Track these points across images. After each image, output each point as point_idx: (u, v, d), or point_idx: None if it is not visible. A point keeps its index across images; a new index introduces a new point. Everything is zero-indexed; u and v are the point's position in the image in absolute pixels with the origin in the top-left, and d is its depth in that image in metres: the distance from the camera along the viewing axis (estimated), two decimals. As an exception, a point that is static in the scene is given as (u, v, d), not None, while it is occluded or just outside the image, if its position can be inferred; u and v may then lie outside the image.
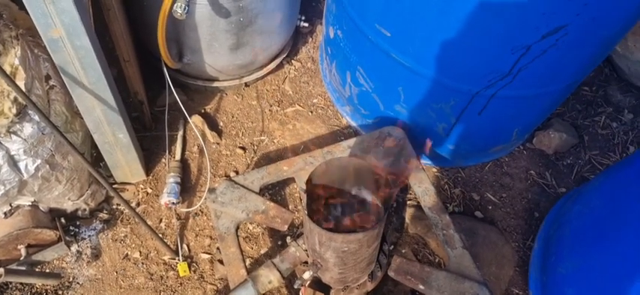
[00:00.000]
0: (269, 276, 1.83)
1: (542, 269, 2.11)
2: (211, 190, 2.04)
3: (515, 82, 1.93)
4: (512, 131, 2.36)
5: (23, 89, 1.74)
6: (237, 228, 1.99)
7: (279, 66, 2.75)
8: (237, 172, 2.44)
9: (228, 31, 2.21)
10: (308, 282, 1.78)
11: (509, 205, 2.48)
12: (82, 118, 1.98)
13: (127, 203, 1.84)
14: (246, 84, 2.67)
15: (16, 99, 1.73)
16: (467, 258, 1.90)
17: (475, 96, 2.02)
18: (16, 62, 1.73)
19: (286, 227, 1.99)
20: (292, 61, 2.83)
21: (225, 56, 2.35)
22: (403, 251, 2.26)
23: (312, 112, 2.68)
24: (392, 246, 2.28)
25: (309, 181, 1.63)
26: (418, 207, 2.35)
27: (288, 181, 2.38)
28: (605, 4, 1.67)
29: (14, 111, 1.73)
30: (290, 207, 2.35)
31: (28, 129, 1.79)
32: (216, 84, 2.58)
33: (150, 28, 2.20)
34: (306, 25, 2.69)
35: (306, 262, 1.89)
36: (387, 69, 2.12)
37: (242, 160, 2.49)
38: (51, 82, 1.92)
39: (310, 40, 2.93)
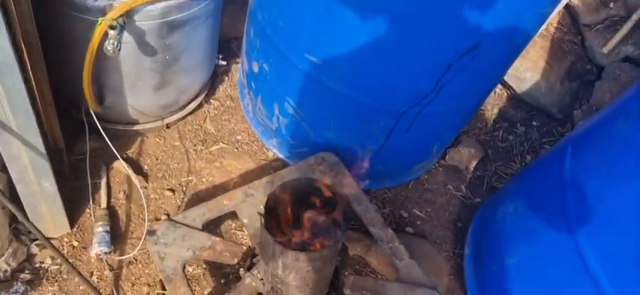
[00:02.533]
0: (227, 311, 1.78)
1: (477, 270, 2.25)
2: (151, 232, 1.95)
3: (438, 99, 2.09)
4: (433, 147, 2.53)
5: (-60, 138, 1.58)
6: (184, 268, 1.92)
7: (199, 106, 2.72)
8: (168, 215, 2.35)
9: (153, 70, 2.16)
10: (269, 310, 1.76)
11: (435, 218, 2.63)
12: (2, 170, 1.82)
13: (59, 252, 1.70)
14: (168, 126, 2.61)
15: None
16: (415, 267, 1.99)
17: (403, 114, 2.15)
18: None
19: (236, 260, 1.95)
20: (211, 100, 2.82)
21: (148, 96, 2.29)
22: (347, 273, 2.30)
23: (237, 149, 2.67)
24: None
25: (266, 205, 1.63)
26: (354, 229, 2.41)
27: (223, 218, 2.34)
28: (510, 24, 1.88)
29: None
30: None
31: (-56, 183, 1.61)
32: (136, 127, 2.49)
33: (67, 71, 2.10)
34: (223, 63, 2.70)
35: (261, 293, 1.87)
36: (318, 96, 2.19)
37: (172, 202, 2.41)
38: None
39: (226, 79, 2.93)
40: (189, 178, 2.50)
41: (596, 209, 1.65)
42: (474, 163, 2.89)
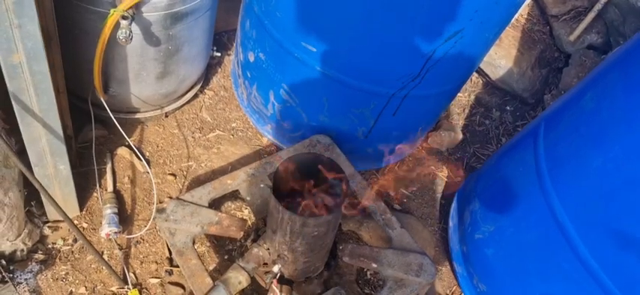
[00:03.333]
0: (238, 277, 1.93)
1: (461, 241, 2.45)
2: (161, 210, 2.09)
3: (423, 83, 2.27)
4: (417, 129, 2.71)
5: (-31, 122, 1.69)
6: (194, 242, 2.06)
7: (195, 96, 2.86)
8: (170, 197, 2.48)
9: (156, 60, 2.29)
10: (278, 275, 1.91)
11: (420, 197, 2.82)
12: (18, 153, 1.93)
13: (78, 229, 1.83)
14: (166, 115, 2.73)
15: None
16: (406, 235, 2.17)
17: (391, 97, 2.33)
18: (-41, 95, 1.68)
19: (242, 233, 2.10)
20: (205, 90, 2.95)
21: (151, 85, 2.41)
22: (340, 247, 2.47)
23: (233, 135, 2.81)
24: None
25: (274, 177, 1.78)
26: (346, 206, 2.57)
27: (225, 199, 2.48)
28: (489, 11, 2.07)
29: (-39, 145, 1.66)
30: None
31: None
32: (137, 115, 2.61)
33: (75, 62, 2.21)
34: (217, 54, 2.83)
35: (266, 263, 2.02)
36: (313, 82, 2.35)
37: (174, 186, 2.54)
38: (-18, 118, 1.86)
39: (219, 70, 3.07)
40: (189, 164, 2.63)
41: (568, 174, 1.86)
42: (454, 146, 3.10)
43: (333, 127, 2.50)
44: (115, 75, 2.28)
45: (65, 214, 1.81)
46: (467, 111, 3.37)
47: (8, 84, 1.63)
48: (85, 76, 2.23)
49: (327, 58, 2.22)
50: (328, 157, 1.88)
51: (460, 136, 3.13)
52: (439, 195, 2.86)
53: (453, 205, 2.67)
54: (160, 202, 2.46)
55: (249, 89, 2.72)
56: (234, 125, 2.86)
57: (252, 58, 2.55)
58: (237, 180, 2.26)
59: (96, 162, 2.42)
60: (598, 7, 3.31)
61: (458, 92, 2.72)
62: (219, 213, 2.12)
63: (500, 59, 3.36)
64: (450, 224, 2.60)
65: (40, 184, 1.72)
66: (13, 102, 1.69)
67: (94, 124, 2.39)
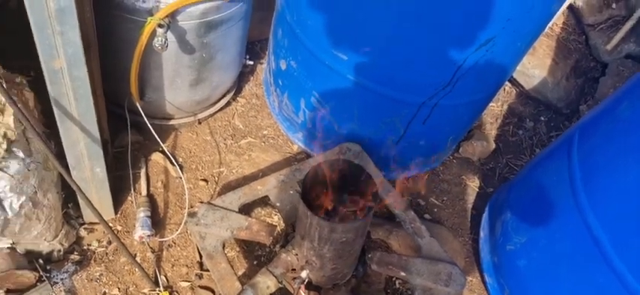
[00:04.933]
0: (266, 282, 1.95)
1: (492, 251, 2.41)
2: (192, 214, 2.13)
3: (453, 91, 2.26)
4: (447, 139, 2.70)
5: (12, 125, 1.76)
6: (223, 246, 2.09)
7: (227, 103, 2.90)
8: (202, 202, 2.52)
9: (190, 67, 2.35)
10: (306, 280, 1.92)
11: (450, 207, 2.79)
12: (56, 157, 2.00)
13: (114, 233, 1.88)
14: (199, 121, 2.79)
15: (5, 134, 1.74)
16: (435, 244, 2.16)
17: (421, 106, 2.32)
18: (1, 99, 1.75)
19: (271, 238, 2.12)
20: (238, 98, 3.00)
21: (185, 92, 2.47)
22: (369, 255, 2.46)
23: (264, 142, 2.84)
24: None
25: (304, 182, 1.80)
26: (376, 214, 2.57)
27: (254, 204, 2.51)
28: (522, 19, 2.06)
29: (4, 146, 1.73)
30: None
31: (14, 165, 1.79)
32: (171, 121, 2.67)
33: (112, 69, 2.28)
34: (250, 62, 2.88)
35: (294, 269, 2.03)
36: (343, 90, 2.36)
37: (205, 191, 2.58)
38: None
39: (251, 78, 3.12)
40: (221, 170, 2.67)
41: (603, 185, 1.82)
42: (486, 156, 3.06)
43: (363, 135, 2.51)
44: (150, 82, 2.34)
45: (101, 216, 1.87)
46: (500, 121, 3.33)
47: (49, 89, 1.69)
48: (121, 83, 2.29)
49: (358, 66, 2.23)
50: (358, 164, 1.89)
51: (492, 146, 3.09)
52: (470, 205, 2.84)
53: (484, 215, 2.64)
54: (192, 207, 2.51)
55: (280, 97, 2.75)
56: (265, 132, 2.90)
57: (283, 66, 2.58)
58: (267, 186, 2.29)
59: (131, 167, 2.48)
60: (636, 15, 3.24)
61: (490, 101, 2.70)
62: (249, 218, 2.15)
63: (534, 68, 3.32)
64: (481, 234, 2.57)
65: (78, 186, 1.78)
66: (54, 107, 1.76)
67: (129, 130, 2.45)
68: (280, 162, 2.77)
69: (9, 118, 1.74)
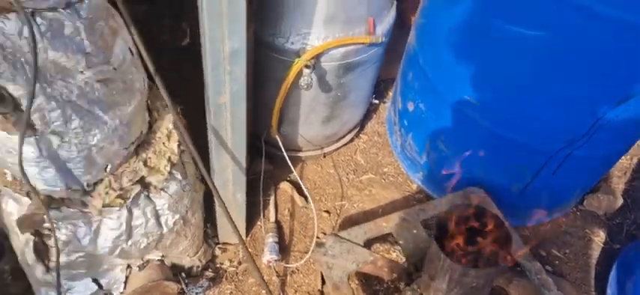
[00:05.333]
0: (393, 317, 2.00)
1: (622, 312, 2.32)
2: (320, 245, 2.24)
3: (589, 143, 2.22)
4: (575, 190, 2.63)
5: (176, 150, 1.96)
6: (349, 278, 2.18)
7: (351, 139, 3.03)
8: (324, 233, 2.64)
9: (325, 105, 2.49)
10: (433, 320, 1.96)
11: (573, 260, 2.71)
12: (202, 180, 2.20)
13: (249, 253, 2.03)
14: (324, 155, 2.92)
15: (170, 158, 1.95)
16: (564, 299, 2.11)
17: (553, 156, 2.30)
18: (170, 126, 1.96)
19: (394, 275, 2.18)
20: (361, 134, 3.12)
21: (317, 127, 2.62)
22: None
23: (384, 180, 2.93)
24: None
25: (437, 224, 1.85)
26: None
27: (376, 239, 2.59)
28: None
29: (168, 169, 1.94)
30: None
31: (173, 186, 1.99)
32: (299, 153, 2.82)
33: (257, 102, 2.47)
34: (376, 101, 2.99)
35: (418, 307, 2.08)
36: (472, 134, 2.40)
37: (328, 222, 2.69)
38: (181, 147, 2.15)
39: (374, 116, 3.23)
40: (343, 203, 2.78)
41: None
42: (613, 211, 2.94)
43: (487, 180, 2.51)
44: (287, 116, 2.51)
45: (242, 239, 2.03)
46: (628, 175, 3.18)
47: (211, 121, 1.88)
48: (262, 115, 2.48)
49: (491, 111, 2.26)
50: (490, 210, 1.91)
51: (620, 201, 2.96)
52: (594, 261, 2.73)
53: (612, 273, 2.53)
54: (318, 237, 2.63)
55: (404, 136, 2.83)
56: (385, 170, 2.98)
57: (411, 108, 2.66)
58: (391, 223, 2.36)
59: (262, 194, 2.66)
60: None
61: (621, 156, 2.61)
62: (374, 253, 2.23)
63: (670, 123, 3.15)
64: (608, 292, 2.47)
65: (226, 209, 1.95)
66: (211, 136, 1.95)
67: (264, 159, 2.63)
68: (399, 200, 2.84)
69: (174, 144, 1.95)
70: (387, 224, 2.36)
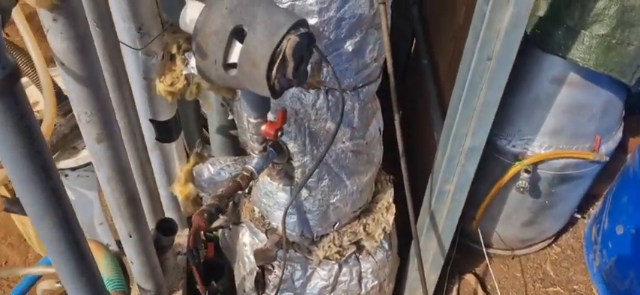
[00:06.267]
0: None
1: None
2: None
3: None
4: None
5: (391, 222, 2.12)
6: None
7: (543, 247, 2.96)
8: (504, 337, 2.60)
9: (529, 209, 2.50)
10: None
11: None
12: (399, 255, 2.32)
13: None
14: (513, 257, 2.90)
15: (384, 228, 2.11)
16: None
17: None
18: (390, 200, 2.13)
19: None
20: (553, 245, 3.03)
21: (514, 229, 2.62)
22: None
23: (573, 297, 2.81)
24: None
25: None
26: None
27: None
28: None
29: (381, 237, 2.10)
30: None
31: (380, 254, 2.14)
32: (489, 250, 2.83)
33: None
34: (577, 215, 2.90)
35: None
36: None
37: (508, 328, 2.65)
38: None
39: (571, 229, 3.13)
40: (526, 310, 2.73)
41: None
42: None
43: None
44: (490, 213, 2.56)
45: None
46: None
47: (432, 204, 2.02)
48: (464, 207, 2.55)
49: None
50: None
51: None
52: None
53: None
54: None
55: (604, 258, 2.70)
56: (575, 287, 2.86)
57: (620, 232, 2.55)
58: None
59: (447, 280, 2.71)
60: None
61: None
62: None
63: None
64: None
65: (425, 283, 2.04)
66: (428, 218, 2.08)
67: (455, 247, 2.70)
68: (587, 324, 2.70)
69: (390, 216, 2.11)
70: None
